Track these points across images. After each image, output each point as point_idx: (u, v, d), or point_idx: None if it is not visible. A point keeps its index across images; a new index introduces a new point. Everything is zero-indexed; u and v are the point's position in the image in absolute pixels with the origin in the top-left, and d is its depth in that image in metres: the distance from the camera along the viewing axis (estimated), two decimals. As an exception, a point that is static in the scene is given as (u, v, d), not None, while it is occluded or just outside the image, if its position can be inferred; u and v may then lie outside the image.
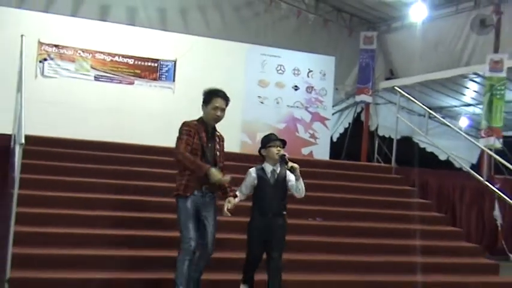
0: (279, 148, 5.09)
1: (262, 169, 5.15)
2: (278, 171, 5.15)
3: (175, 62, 10.27)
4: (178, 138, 4.96)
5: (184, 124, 5.03)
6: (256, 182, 5.11)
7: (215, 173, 4.83)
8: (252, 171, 5.18)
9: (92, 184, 6.77)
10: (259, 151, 5.25)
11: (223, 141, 5.26)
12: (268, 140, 5.19)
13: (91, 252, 5.58)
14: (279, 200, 5.13)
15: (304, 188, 5.15)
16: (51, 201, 6.25)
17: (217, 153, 5.11)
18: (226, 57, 10.45)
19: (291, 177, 5.15)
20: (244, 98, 10.57)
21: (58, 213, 6.09)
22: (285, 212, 5.18)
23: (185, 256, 4.82)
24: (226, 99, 5.07)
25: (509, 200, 8.25)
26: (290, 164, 4.98)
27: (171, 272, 4.97)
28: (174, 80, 10.27)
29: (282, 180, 5.16)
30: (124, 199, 6.57)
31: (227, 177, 4.97)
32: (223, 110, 5.05)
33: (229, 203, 4.95)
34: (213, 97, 5.01)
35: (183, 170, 4.95)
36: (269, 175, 5.10)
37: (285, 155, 5.06)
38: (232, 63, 10.59)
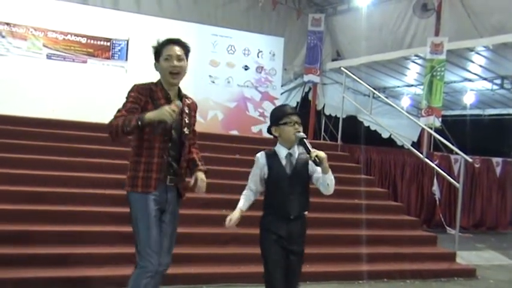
0: (296, 126, 3.67)
1: (275, 154, 3.72)
2: (296, 155, 3.72)
3: (127, 41, 10.32)
4: (117, 110, 3.64)
5: (133, 88, 3.70)
6: (267, 172, 3.72)
7: (165, 112, 3.47)
8: (260, 156, 3.77)
9: (43, 161, 6.82)
10: (269, 129, 3.83)
11: (195, 111, 3.97)
12: (281, 115, 3.71)
13: (37, 228, 5.62)
14: (300, 196, 3.74)
15: (333, 182, 3.76)
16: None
17: (186, 129, 3.78)
18: (177, 37, 10.51)
19: (315, 168, 3.71)
20: (195, 78, 10.72)
21: (6, 189, 6.11)
22: (306, 212, 3.86)
23: (144, 276, 3.54)
24: (183, 45, 3.76)
25: (447, 176, 8.70)
26: (314, 152, 3.52)
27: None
28: (126, 59, 10.33)
29: (302, 167, 3.71)
30: (76, 176, 6.65)
31: (176, 105, 3.59)
32: (180, 59, 3.69)
33: (230, 220, 3.82)
34: (164, 46, 3.71)
35: (135, 154, 3.67)
36: (284, 162, 3.68)
37: (305, 138, 3.63)
38: (183, 43, 10.68)
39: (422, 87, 13.84)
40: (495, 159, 11.15)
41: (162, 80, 3.72)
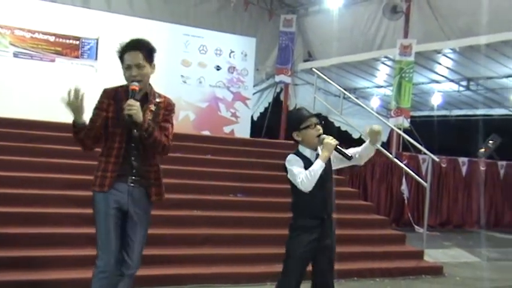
0: (318, 127, 3.72)
1: (303, 156, 3.75)
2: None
3: (97, 40, 10.25)
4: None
5: (101, 93, 3.78)
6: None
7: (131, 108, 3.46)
8: (294, 156, 3.79)
9: (12, 162, 6.74)
10: (290, 135, 3.86)
11: (166, 109, 3.80)
12: (300, 119, 3.74)
13: (5, 231, 5.52)
14: (331, 195, 3.84)
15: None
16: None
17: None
18: (149, 37, 10.45)
19: (335, 153, 3.76)
20: (167, 77, 10.69)
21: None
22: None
23: (98, 275, 3.56)
24: (144, 49, 3.68)
25: (415, 176, 8.86)
26: (375, 126, 3.77)
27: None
28: (96, 59, 10.25)
29: (328, 166, 3.76)
30: (46, 177, 6.59)
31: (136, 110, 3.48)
32: (141, 67, 3.62)
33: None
34: (124, 53, 3.66)
35: (100, 154, 3.72)
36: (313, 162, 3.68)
37: (338, 145, 3.69)
38: (155, 43, 10.63)
39: (391, 88, 14.03)
40: (461, 159, 11.39)
41: (128, 84, 3.69)
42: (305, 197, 3.66)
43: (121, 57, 3.68)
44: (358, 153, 3.85)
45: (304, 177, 3.59)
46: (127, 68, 3.64)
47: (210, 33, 11.64)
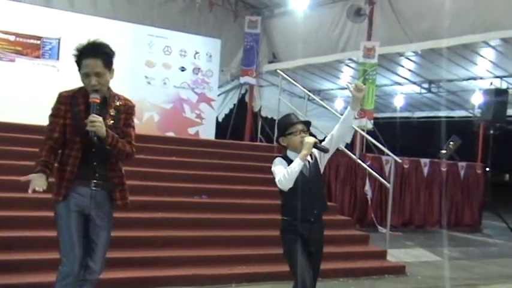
0: (302, 134, 3.83)
1: (289, 159, 3.82)
2: (311, 159, 3.90)
3: (59, 40, 10.08)
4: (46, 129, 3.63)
5: (57, 98, 3.62)
6: None
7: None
8: (280, 160, 3.89)
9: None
10: (277, 140, 4.03)
11: (127, 113, 3.72)
12: (286, 125, 3.91)
13: None
14: (319, 197, 3.93)
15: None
16: None
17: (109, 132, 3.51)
18: (112, 37, 10.34)
19: (324, 143, 3.88)
20: (131, 78, 10.58)
21: None
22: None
23: (64, 282, 3.50)
24: (100, 56, 3.53)
25: (379, 177, 8.97)
26: (358, 83, 3.86)
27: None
28: (58, 59, 10.08)
29: (316, 169, 3.91)
30: (6, 180, 6.45)
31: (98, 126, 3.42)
32: (100, 75, 3.51)
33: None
34: (81, 59, 3.53)
35: (58, 162, 3.63)
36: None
37: (317, 143, 3.78)
38: (119, 43, 10.52)
39: (355, 90, 14.18)
40: (423, 160, 11.58)
41: (85, 87, 3.60)
42: (291, 198, 3.77)
43: (78, 61, 3.57)
44: (335, 135, 3.89)
45: (282, 176, 3.68)
46: (85, 75, 3.53)
47: (175, 34, 11.57)
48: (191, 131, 11.54)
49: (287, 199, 3.83)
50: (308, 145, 3.72)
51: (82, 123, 3.44)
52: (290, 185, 3.67)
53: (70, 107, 3.55)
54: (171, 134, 10.92)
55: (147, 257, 5.91)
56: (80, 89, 3.62)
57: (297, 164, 3.67)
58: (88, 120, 3.40)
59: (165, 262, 5.93)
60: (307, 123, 3.94)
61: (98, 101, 3.50)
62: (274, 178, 3.78)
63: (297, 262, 3.75)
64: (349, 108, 3.90)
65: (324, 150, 3.82)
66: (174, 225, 6.58)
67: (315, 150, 3.86)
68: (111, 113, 3.62)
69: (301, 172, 3.71)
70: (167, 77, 11.32)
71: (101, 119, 3.43)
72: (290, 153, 3.87)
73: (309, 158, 3.84)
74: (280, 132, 3.93)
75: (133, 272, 5.61)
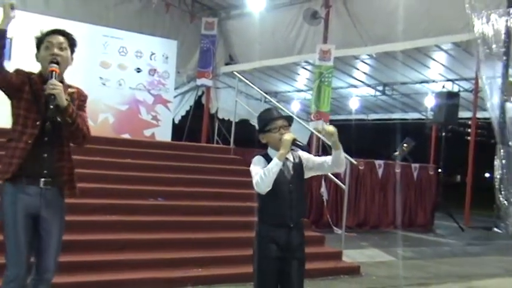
0: (282, 131, 3.52)
1: (269, 158, 3.50)
2: (293, 159, 3.58)
3: (11, 40, 9.81)
4: None
5: (15, 70, 3.44)
6: None
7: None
8: (259, 159, 3.57)
9: None
10: (258, 137, 3.70)
11: (80, 99, 3.55)
12: (264, 121, 3.61)
13: None
14: (299, 202, 3.58)
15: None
16: None
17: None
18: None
19: (310, 157, 3.65)
20: (85, 79, 10.38)
21: None
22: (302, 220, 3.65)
23: (8, 287, 3.33)
24: (68, 37, 3.50)
25: (334, 178, 9.04)
26: (326, 127, 3.49)
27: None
28: (10, 59, 9.79)
29: (300, 171, 3.59)
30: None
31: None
32: (62, 48, 3.42)
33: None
34: (47, 35, 3.46)
35: (8, 139, 3.42)
36: (282, 166, 3.46)
37: (296, 140, 3.44)
38: (73, 43, 10.37)
39: (311, 92, 14.32)
40: (377, 162, 11.74)
41: (43, 71, 3.41)
42: (269, 201, 3.47)
43: (41, 41, 3.45)
44: (329, 161, 3.60)
45: (258, 177, 3.38)
46: (47, 47, 3.39)
47: (130, 34, 11.44)
48: (147, 132, 11.42)
49: (264, 202, 3.51)
50: (286, 143, 3.39)
51: (40, 100, 3.25)
52: (268, 187, 3.36)
53: (28, 81, 3.35)
54: (126, 135, 10.77)
55: (102, 261, 5.80)
56: (35, 73, 3.45)
57: (275, 164, 3.36)
58: (48, 83, 3.21)
59: (120, 266, 5.84)
60: (289, 119, 3.63)
61: (58, 71, 3.32)
62: (252, 177, 3.49)
63: (264, 282, 3.51)
64: (333, 152, 3.55)
65: (303, 148, 3.54)
66: (130, 228, 6.48)
67: (303, 153, 3.62)
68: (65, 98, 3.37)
69: (282, 172, 3.42)
70: (123, 78, 11.17)
71: (61, 84, 3.26)
72: (271, 151, 3.54)
73: (291, 157, 3.55)
74: (259, 128, 3.62)
75: (88, 276, 5.50)
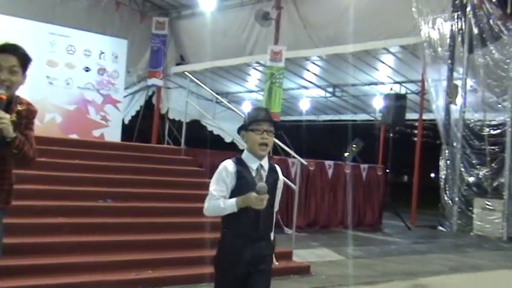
0: (265, 136, 3.24)
1: (244, 163, 3.27)
2: (267, 168, 3.30)
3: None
4: None
5: None
6: (235, 183, 3.22)
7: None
8: (228, 164, 3.26)
9: None
10: (239, 131, 3.39)
11: (28, 118, 3.31)
12: (250, 118, 3.32)
13: None
14: (269, 214, 3.30)
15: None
16: None
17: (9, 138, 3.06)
18: (11, 35, 9.89)
19: (280, 187, 3.36)
20: (31, 78, 10.08)
21: None
22: (272, 236, 3.40)
23: None
24: (17, 54, 3.22)
25: (285, 179, 9.11)
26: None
27: None
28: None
29: (273, 183, 3.29)
30: None
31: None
32: (13, 72, 3.17)
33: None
34: None
35: None
36: (254, 173, 3.24)
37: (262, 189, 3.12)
38: (18, 41, 10.07)
39: (262, 93, 14.39)
40: (327, 162, 11.89)
41: None
42: (237, 211, 3.18)
43: None
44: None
45: (211, 206, 3.21)
46: None
47: (79, 33, 11.22)
48: (96, 133, 11.23)
49: (231, 213, 3.22)
50: (249, 202, 3.10)
51: None
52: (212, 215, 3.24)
53: None
54: (74, 136, 10.55)
55: (51, 264, 5.67)
56: None
57: (229, 209, 3.15)
58: None
59: (69, 268, 5.71)
60: (276, 126, 3.37)
61: (4, 97, 3.07)
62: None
63: None
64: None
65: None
66: (78, 230, 6.36)
67: (281, 175, 3.35)
68: (12, 118, 3.15)
69: (254, 181, 3.17)
70: (70, 77, 10.95)
71: (8, 116, 3.04)
72: (247, 156, 3.28)
73: (266, 166, 3.28)
74: (244, 124, 3.32)
75: (36, 279, 5.35)
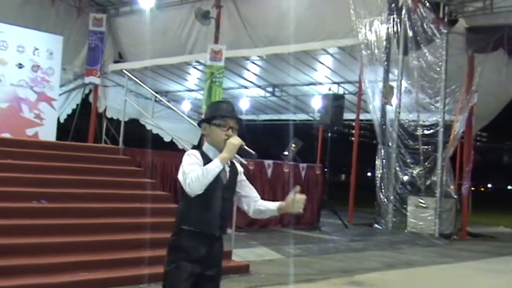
0: (229, 133, 3.14)
1: (207, 157, 3.11)
2: (230, 164, 3.19)
3: None
4: None
5: None
6: None
7: None
8: (196, 153, 3.10)
9: None
10: (199, 124, 3.28)
11: None
12: (215, 112, 3.19)
13: None
14: (228, 212, 3.25)
15: None
16: None
17: None
18: None
19: (245, 180, 3.28)
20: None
21: None
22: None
23: None
24: None
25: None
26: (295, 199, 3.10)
27: None
28: None
29: (234, 179, 3.22)
30: None
31: None
32: None
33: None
34: None
35: None
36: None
37: (243, 146, 3.10)
38: None
39: (202, 92, 14.34)
40: (267, 162, 11.97)
41: None
42: (197, 206, 3.02)
43: None
44: (258, 204, 3.24)
45: (194, 176, 2.92)
46: None
47: (12, 28, 10.83)
48: (30, 132, 10.88)
49: (191, 205, 3.05)
50: (232, 147, 3.03)
51: None
52: (201, 190, 2.94)
53: None
54: (7, 135, 10.18)
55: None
56: None
57: (215, 166, 2.96)
58: None
59: (3, 272, 5.53)
60: (242, 125, 3.25)
61: None
62: (181, 173, 3.03)
63: None
64: (275, 209, 3.20)
65: (251, 156, 3.14)
66: (12, 232, 6.16)
67: (240, 167, 3.26)
68: None
69: (218, 176, 2.99)
70: (3, 74, 10.56)
71: None
72: (209, 149, 3.14)
73: (229, 161, 3.13)
74: (206, 117, 3.19)
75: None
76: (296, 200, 3.10)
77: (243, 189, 3.25)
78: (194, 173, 2.93)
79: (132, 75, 10.84)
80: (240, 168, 3.25)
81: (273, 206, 3.21)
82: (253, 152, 3.13)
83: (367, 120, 15.28)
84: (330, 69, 14.64)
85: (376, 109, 12.89)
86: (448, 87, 12.65)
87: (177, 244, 3.09)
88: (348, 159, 14.40)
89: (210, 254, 3.08)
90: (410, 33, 12.34)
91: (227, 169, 3.12)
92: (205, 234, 3.06)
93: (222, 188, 3.08)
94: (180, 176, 3.02)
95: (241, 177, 3.24)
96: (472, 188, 16.51)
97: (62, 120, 15.18)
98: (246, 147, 3.10)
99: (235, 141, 3.05)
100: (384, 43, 12.59)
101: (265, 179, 11.75)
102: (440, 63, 12.42)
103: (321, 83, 15.59)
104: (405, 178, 13.08)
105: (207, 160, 3.03)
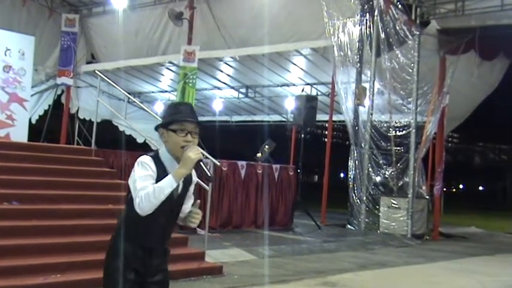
0: (189, 138, 2.82)
1: (161, 162, 2.84)
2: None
3: None
4: None
5: None
6: (153, 182, 2.75)
7: None
8: (149, 160, 2.81)
9: None
10: (156, 129, 2.97)
11: None
12: (172, 116, 2.88)
13: None
14: (174, 225, 3.01)
15: None
16: None
17: None
18: None
19: (192, 189, 3.01)
20: None
21: None
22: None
23: None
24: None
25: (198, 180, 9.12)
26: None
27: None
28: None
29: (186, 191, 2.95)
30: None
31: None
32: None
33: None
34: None
35: None
36: None
37: (202, 161, 2.78)
38: None
39: (175, 93, 14.31)
40: (240, 163, 12.00)
41: None
42: (141, 218, 2.73)
43: None
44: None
45: (144, 195, 2.65)
46: None
47: (-18, 28, 10.70)
48: (1, 133, 10.74)
49: (135, 217, 2.76)
50: (189, 161, 2.72)
51: None
52: (150, 210, 2.68)
53: None
54: (-23, 136, 10.07)
55: None
56: None
57: (168, 185, 2.68)
58: None
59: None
60: (202, 127, 2.95)
61: None
62: (132, 185, 2.80)
63: None
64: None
65: (207, 177, 2.81)
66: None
67: (194, 175, 2.99)
68: None
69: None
70: (-27, 75, 10.41)
71: None
72: (164, 155, 2.86)
73: None
74: (163, 122, 2.90)
75: None
76: (192, 213, 2.94)
77: (186, 198, 3.00)
78: (144, 192, 2.66)
79: (105, 76, 10.77)
80: (194, 178, 2.99)
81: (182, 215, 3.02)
82: (210, 174, 2.81)
83: (339, 121, 15.40)
84: (303, 70, 14.74)
85: (348, 110, 13.00)
86: (420, 88, 12.83)
87: (116, 253, 2.88)
88: (321, 160, 14.52)
89: (148, 265, 2.88)
90: (382, 35, 12.47)
91: (180, 182, 2.80)
92: (141, 247, 2.85)
93: (170, 205, 2.81)
94: (130, 185, 2.79)
95: (192, 186, 3.00)
96: (444, 189, 16.75)
97: (33, 121, 15.02)
98: (203, 165, 2.78)
99: (194, 155, 2.73)
100: (357, 45, 12.71)
101: (239, 180, 11.77)
102: (412, 65, 12.59)
103: (294, 84, 15.68)
104: (378, 179, 13.21)
105: (161, 170, 2.78)
